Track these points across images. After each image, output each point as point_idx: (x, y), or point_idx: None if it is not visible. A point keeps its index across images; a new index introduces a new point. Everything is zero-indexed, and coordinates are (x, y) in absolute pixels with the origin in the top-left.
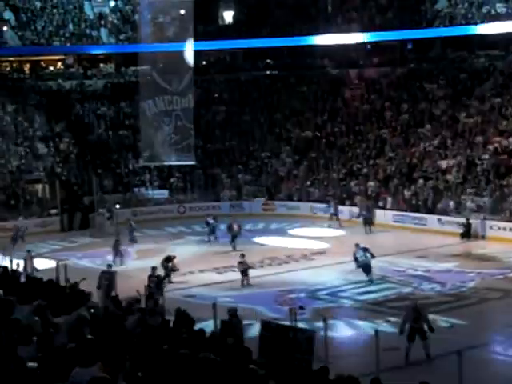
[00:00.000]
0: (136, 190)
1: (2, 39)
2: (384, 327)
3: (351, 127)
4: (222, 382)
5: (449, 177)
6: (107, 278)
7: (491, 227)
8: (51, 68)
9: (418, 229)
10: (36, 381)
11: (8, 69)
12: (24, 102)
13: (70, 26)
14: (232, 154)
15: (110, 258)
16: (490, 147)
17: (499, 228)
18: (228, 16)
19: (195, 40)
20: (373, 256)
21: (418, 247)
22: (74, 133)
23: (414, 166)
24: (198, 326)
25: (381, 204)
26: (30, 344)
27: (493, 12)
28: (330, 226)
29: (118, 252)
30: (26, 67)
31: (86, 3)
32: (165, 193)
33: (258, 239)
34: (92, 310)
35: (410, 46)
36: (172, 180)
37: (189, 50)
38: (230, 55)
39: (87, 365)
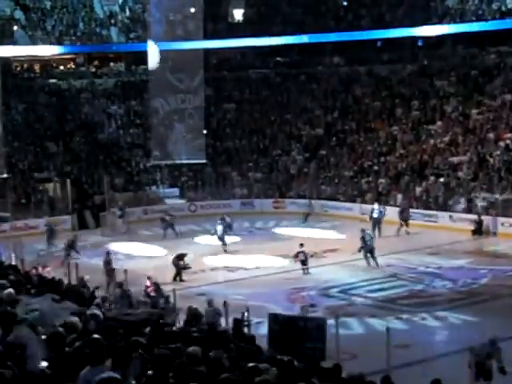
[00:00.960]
0: (147, 188)
1: (12, 39)
2: (395, 324)
3: (362, 124)
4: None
5: (460, 173)
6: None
7: (503, 224)
8: (61, 67)
9: (429, 226)
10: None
11: (18, 68)
12: (34, 101)
13: (81, 25)
14: (243, 152)
15: (119, 256)
16: (502, 143)
17: (511, 225)
18: (238, 14)
19: (205, 38)
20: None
21: (430, 244)
22: (85, 132)
23: (425, 163)
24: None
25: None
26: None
27: (503, 8)
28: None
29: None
30: (37, 66)
31: (96, 2)
32: (176, 191)
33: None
34: (102, 309)
35: (420, 43)
36: (183, 178)
37: (151, 50)
38: (241, 53)
39: (96, 363)
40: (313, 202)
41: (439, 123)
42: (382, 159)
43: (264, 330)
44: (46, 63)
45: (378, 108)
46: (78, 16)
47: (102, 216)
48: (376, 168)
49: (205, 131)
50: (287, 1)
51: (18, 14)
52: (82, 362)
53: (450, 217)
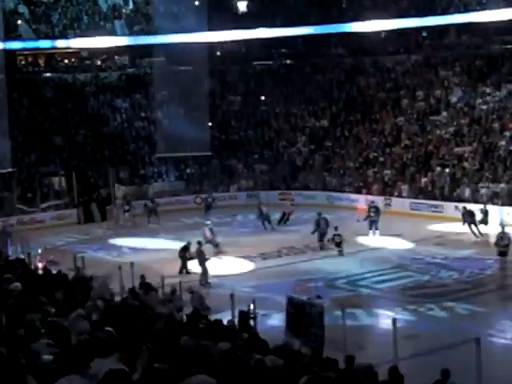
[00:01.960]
0: (152, 181)
1: (16, 33)
2: (402, 315)
3: (367, 116)
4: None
5: (465, 164)
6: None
7: (508, 214)
8: (66, 61)
9: (435, 216)
10: (51, 374)
11: (23, 62)
12: (39, 95)
13: (85, 19)
14: (248, 144)
15: (125, 249)
16: (507, 133)
17: None
18: (242, 5)
19: (209, 30)
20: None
21: (436, 235)
22: (90, 125)
23: (430, 154)
24: (215, 317)
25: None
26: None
27: None
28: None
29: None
30: (41, 60)
31: None
32: (181, 184)
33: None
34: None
35: (424, 34)
36: (188, 171)
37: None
38: (245, 45)
39: (104, 355)
40: (213, 194)
41: (444, 114)
42: (388, 150)
43: (271, 322)
44: (51, 57)
45: (382, 99)
46: (82, 9)
47: (108, 209)
48: (381, 159)
49: (210, 124)
50: None
51: (22, 8)
52: (91, 354)
53: (456, 207)
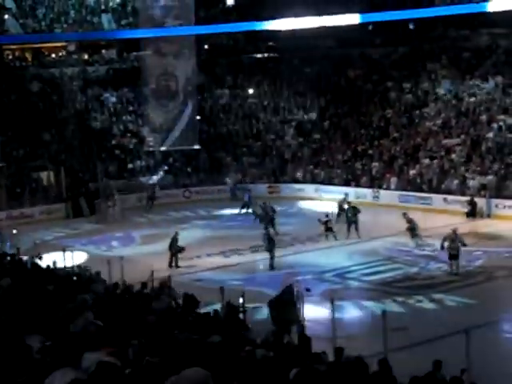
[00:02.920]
0: (140, 175)
1: (3, 27)
2: (391, 307)
3: (355, 108)
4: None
5: (453, 156)
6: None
7: (496, 205)
8: (53, 55)
9: (423, 208)
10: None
11: (10, 57)
12: (27, 89)
13: (72, 13)
14: (236, 137)
15: (114, 243)
16: (494, 125)
17: (504, 206)
18: None
19: (197, 23)
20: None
21: (424, 227)
22: (78, 119)
23: (418, 146)
24: (205, 310)
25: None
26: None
27: None
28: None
29: None
30: (28, 55)
31: None
32: (169, 178)
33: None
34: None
35: (411, 26)
36: (177, 164)
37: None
38: (233, 38)
39: (94, 349)
40: (156, 188)
41: (432, 106)
42: (376, 143)
43: (260, 315)
44: (38, 51)
45: (370, 91)
46: (69, 3)
47: (97, 203)
48: (370, 151)
49: (198, 117)
50: None
51: (9, 3)
52: (81, 346)
53: (444, 199)
